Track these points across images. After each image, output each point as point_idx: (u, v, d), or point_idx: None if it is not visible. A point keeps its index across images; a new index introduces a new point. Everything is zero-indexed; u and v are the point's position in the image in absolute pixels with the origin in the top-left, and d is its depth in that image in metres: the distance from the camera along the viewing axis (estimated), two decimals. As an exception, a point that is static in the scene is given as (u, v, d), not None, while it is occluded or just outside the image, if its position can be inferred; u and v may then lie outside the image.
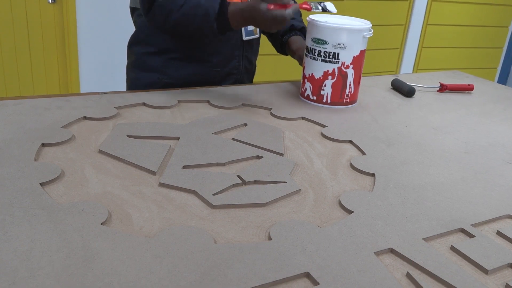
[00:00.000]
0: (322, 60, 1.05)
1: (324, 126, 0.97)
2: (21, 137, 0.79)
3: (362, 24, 1.06)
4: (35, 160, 0.72)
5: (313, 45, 1.06)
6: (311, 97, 1.09)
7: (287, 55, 1.28)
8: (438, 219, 0.65)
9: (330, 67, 1.05)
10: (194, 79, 1.17)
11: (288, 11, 0.91)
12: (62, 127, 0.84)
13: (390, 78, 1.33)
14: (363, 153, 0.85)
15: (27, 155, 0.73)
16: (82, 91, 2.20)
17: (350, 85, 1.07)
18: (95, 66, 2.21)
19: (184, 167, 0.74)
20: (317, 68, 1.06)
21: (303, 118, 1.01)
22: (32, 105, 0.93)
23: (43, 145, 0.77)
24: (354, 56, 1.04)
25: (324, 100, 1.08)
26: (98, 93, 1.06)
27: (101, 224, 0.57)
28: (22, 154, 0.73)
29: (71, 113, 0.91)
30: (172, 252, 0.53)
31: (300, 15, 1.31)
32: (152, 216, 0.61)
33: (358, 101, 1.13)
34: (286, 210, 0.65)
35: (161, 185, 0.69)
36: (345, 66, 1.05)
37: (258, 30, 1.18)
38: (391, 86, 1.28)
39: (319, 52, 1.05)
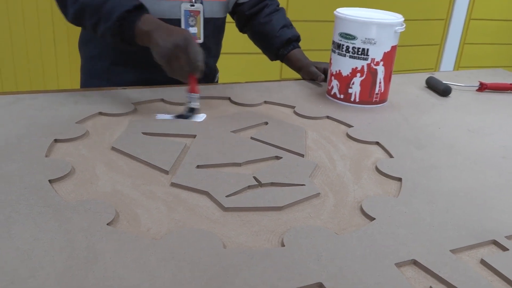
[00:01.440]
0: (350, 56, 1.03)
1: (350, 126, 0.94)
2: (34, 132, 0.80)
3: (393, 18, 1.03)
4: (46, 156, 0.73)
5: (340, 40, 1.03)
6: (338, 95, 1.07)
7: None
8: (468, 229, 0.62)
9: (358, 63, 1.02)
10: (141, 86, 1.11)
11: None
12: (76, 122, 0.85)
13: (425, 76, 1.29)
14: (390, 156, 0.83)
15: (39, 151, 0.73)
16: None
17: (380, 83, 1.04)
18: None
19: (198, 166, 0.73)
20: (345, 64, 1.04)
21: (328, 117, 0.99)
22: (48, 100, 0.94)
23: (56, 140, 0.78)
24: (384, 52, 1.01)
25: (352, 99, 1.05)
26: (117, 88, 1.07)
27: (107, 224, 0.57)
28: (34, 150, 0.73)
29: (87, 109, 0.91)
30: (178, 256, 0.52)
31: (291, 25, 1.26)
32: (161, 217, 0.60)
33: (388, 100, 1.10)
34: (303, 214, 0.64)
35: (173, 185, 0.68)
36: (374, 63, 1.02)
37: (202, 35, 1.10)
38: (425, 85, 1.25)
39: (347, 47, 1.02)
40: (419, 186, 0.72)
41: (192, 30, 1.09)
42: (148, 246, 0.54)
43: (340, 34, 1.03)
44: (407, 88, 1.22)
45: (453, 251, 0.58)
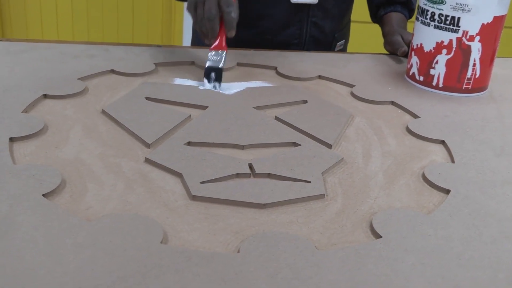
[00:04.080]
0: (436, 26, 0.93)
1: (416, 117, 0.86)
2: (26, 84, 0.83)
3: (501, -22, 0.91)
4: (25, 111, 0.75)
5: (425, 4, 0.94)
6: (416, 76, 0.98)
7: None
8: (510, 272, 0.52)
9: (445, 36, 0.92)
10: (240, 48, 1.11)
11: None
12: (78, 78, 0.87)
13: (559, 63, 1.13)
14: (452, 160, 0.73)
15: (19, 105, 0.76)
16: (184, 44, 2.30)
17: (474, 64, 0.93)
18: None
19: (188, 143, 0.71)
20: (428, 37, 0.94)
21: (392, 103, 0.91)
22: (62, 51, 0.98)
23: (45, 96, 0.81)
24: (483, 24, 0.90)
25: (434, 83, 0.96)
26: (151, 45, 1.08)
27: (43, 195, 0.57)
28: (14, 104, 0.76)
29: (100, 65, 0.94)
30: (101, 244, 0.51)
31: None
32: (112, 196, 0.59)
33: (488, 89, 0.98)
34: (289, 218, 0.59)
35: (147, 161, 0.67)
36: (467, 37, 0.91)
37: None
38: (555, 75, 1.09)
39: (432, 14, 0.93)
40: (470, 204, 0.63)
41: None
42: (73, 227, 0.53)
43: (426, -4, 0.94)
44: (526, 77, 1.08)
45: (471, 297, 0.49)
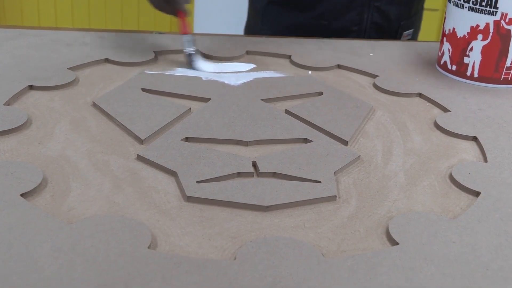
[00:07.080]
0: (470, 8, 0.92)
1: (447, 110, 0.85)
2: (11, 74, 0.84)
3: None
4: (7, 104, 0.76)
5: (458, -17, 0.93)
6: (449, 65, 0.97)
7: None
8: (544, 284, 0.51)
9: (481, 19, 0.91)
10: (294, 34, 1.12)
11: None
12: (68, 68, 0.88)
13: None
14: (485, 159, 0.73)
15: (0, 97, 0.77)
16: (196, 31, 2.31)
17: (514, 52, 0.92)
18: (213, 5, 2.29)
19: (186, 139, 0.71)
20: (462, 20, 0.93)
21: (420, 95, 0.90)
22: (54, 38, 0.99)
23: (31, 87, 0.82)
24: (524, 5, 0.89)
25: (468, 73, 0.95)
26: (152, 32, 1.09)
27: (21, 194, 0.58)
28: (-4, 95, 0.78)
29: (94, 53, 0.94)
30: (81, 250, 0.51)
31: None
32: (98, 197, 0.60)
33: (531, 80, 0.97)
34: (295, 222, 0.58)
35: (139, 158, 0.67)
36: (507, 21, 0.90)
37: None
38: None
39: (466, -5, 0.92)
40: (501, 208, 0.62)
41: None
42: (51, 230, 0.53)
43: (459, -26, 0.93)
44: None
45: (497, 311, 0.48)
